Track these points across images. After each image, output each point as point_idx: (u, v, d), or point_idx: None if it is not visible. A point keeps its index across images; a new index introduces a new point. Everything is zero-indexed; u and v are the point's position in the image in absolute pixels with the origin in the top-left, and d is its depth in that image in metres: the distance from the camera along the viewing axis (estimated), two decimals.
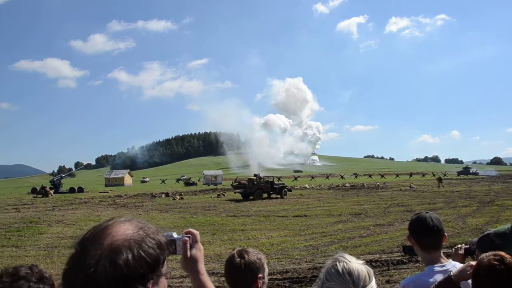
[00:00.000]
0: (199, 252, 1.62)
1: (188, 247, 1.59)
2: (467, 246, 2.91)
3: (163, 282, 1.16)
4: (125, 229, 1.10)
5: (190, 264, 1.60)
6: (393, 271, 10.40)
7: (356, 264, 1.70)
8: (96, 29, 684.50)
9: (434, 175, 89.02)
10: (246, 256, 2.42)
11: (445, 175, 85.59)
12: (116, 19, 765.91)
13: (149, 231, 1.14)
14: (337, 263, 1.72)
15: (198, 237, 1.64)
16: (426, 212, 2.78)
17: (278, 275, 10.27)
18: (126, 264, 1.02)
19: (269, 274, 10.29)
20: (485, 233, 2.80)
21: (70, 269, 1.03)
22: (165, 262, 1.17)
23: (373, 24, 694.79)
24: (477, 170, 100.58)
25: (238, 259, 2.39)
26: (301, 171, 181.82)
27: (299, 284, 9.49)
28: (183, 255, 1.59)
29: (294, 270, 10.69)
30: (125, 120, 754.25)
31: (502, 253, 2.02)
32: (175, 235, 1.58)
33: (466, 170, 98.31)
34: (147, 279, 1.07)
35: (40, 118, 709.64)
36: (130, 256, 1.03)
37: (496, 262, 1.99)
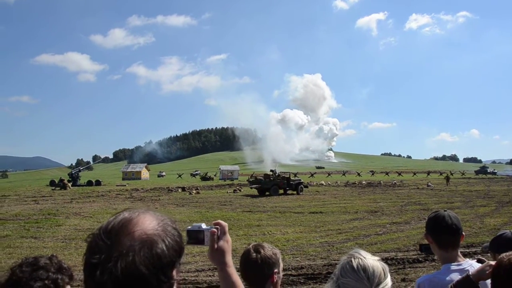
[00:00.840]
0: (226, 244, 1.63)
1: (216, 238, 1.61)
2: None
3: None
4: (150, 220, 1.13)
5: (217, 255, 1.62)
6: (408, 269, 10.32)
7: (372, 261, 1.70)
8: (116, 24, 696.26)
9: (441, 174, 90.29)
10: (262, 251, 2.42)
11: (452, 174, 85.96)
12: (136, 13, 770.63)
13: (169, 221, 1.17)
14: (352, 259, 1.71)
15: (227, 228, 1.65)
16: (445, 211, 2.74)
17: (293, 271, 10.27)
18: (163, 252, 1.07)
19: (284, 270, 10.29)
20: (498, 233, 2.76)
21: (104, 260, 1.03)
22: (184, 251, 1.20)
23: (393, 21, 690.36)
24: (494, 169, 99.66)
25: (254, 254, 2.39)
26: (323, 167, 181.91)
27: (314, 281, 9.48)
28: (211, 246, 1.60)
29: (309, 266, 10.69)
30: (143, 115, 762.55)
31: None
32: (203, 226, 1.60)
33: (483, 169, 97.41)
34: (175, 266, 1.12)
35: (59, 112, 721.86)
36: (164, 246, 1.08)
37: None
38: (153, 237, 1.08)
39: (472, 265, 2.56)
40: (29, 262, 1.86)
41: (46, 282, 1.80)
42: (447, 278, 2.50)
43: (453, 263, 2.62)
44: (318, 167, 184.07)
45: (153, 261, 1.04)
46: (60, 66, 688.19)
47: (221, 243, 1.61)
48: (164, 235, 1.10)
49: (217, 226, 1.62)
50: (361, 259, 1.70)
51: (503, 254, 2.08)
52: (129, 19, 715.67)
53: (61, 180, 51.76)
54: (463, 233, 2.71)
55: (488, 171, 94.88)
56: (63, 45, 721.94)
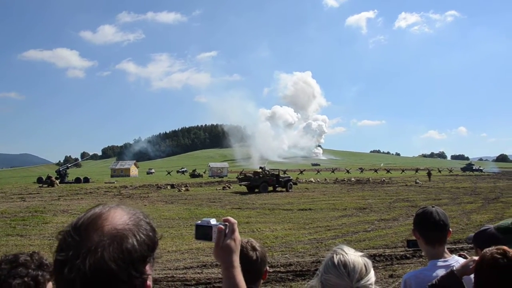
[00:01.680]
0: (233, 242, 1.54)
1: (223, 236, 1.54)
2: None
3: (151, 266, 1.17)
4: (121, 215, 1.11)
5: (222, 254, 1.53)
6: (396, 265, 10.39)
7: (353, 256, 1.70)
8: (105, 20, 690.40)
9: (423, 170, 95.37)
10: (258, 248, 2.42)
11: (440, 171, 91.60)
12: (126, 10, 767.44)
13: (141, 216, 1.16)
14: (334, 255, 1.72)
15: (236, 226, 1.57)
16: (432, 207, 2.76)
17: (282, 268, 10.27)
18: (133, 248, 1.05)
19: (273, 266, 10.35)
20: (481, 229, 2.80)
21: (72, 256, 1.01)
22: (158, 245, 1.19)
23: (382, 19, 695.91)
24: (480, 166, 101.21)
25: (252, 252, 2.38)
26: (318, 164, 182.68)
27: (303, 277, 9.50)
28: (216, 243, 1.53)
29: (297, 263, 10.69)
30: (132, 111, 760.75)
31: (505, 247, 2.02)
32: (212, 221, 1.55)
33: (469, 167, 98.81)
34: (148, 261, 1.10)
35: (47, 108, 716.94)
36: (135, 241, 1.06)
37: (499, 256, 1.99)
38: (124, 232, 1.06)
39: (458, 261, 2.58)
40: (9, 259, 1.82)
41: (26, 279, 1.76)
42: (433, 274, 2.52)
43: (439, 259, 2.64)
44: (313, 164, 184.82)
45: (123, 256, 1.02)
46: (49, 62, 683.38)
47: (228, 241, 1.52)
48: (135, 230, 1.08)
49: (226, 223, 1.55)
50: (342, 255, 1.71)
51: (486, 249, 2.11)
52: (119, 16, 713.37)
53: (49, 177, 51.46)
54: (450, 229, 2.74)
55: (474, 168, 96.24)
56: (52, 41, 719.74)
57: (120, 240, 1.04)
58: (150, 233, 1.13)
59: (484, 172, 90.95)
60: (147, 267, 1.10)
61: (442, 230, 2.67)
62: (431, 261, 2.68)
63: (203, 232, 1.55)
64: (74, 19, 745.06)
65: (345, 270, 1.65)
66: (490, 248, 2.08)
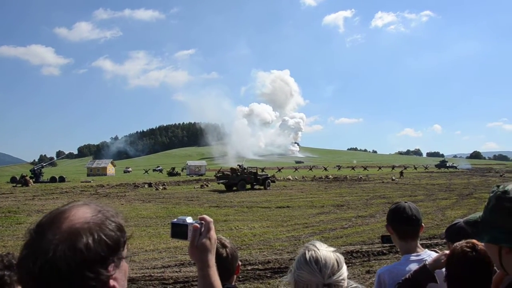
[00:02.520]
0: (208, 241, 1.49)
1: (198, 234, 1.50)
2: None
3: (124, 266, 1.13)
4: (83, 213, 1.07)
5: (197, 253, 1.49)
6: (373, 261, 10.51)
7: (325, 252, 1.72)
8: (81, 17, 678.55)
9: (398, 167, 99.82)
10: (228, 245, 2.42)
11: (416, 168, 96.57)
12: (102, 7, 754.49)
13: (108, 214, 1.12)
14: (306, 251, 1.74)
15: (212, 225, 1.53)
16: (405, 202, 2.82)
17: (260, 265, 10.29)
18: (87, 247, 1.00)
19: (251, 264, 10.37)
20: (452, 223, 2.86)
21: (26, 255, 0.99)
22: (126, 245, 1.14)
23: (359, 19, 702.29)
24: (454, 163, 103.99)
25: (222, 249, 2.37)
26: (302, 162, 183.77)
27: (281, 274, 9.51)
28: (191, 242, 1.50)
29: (275, 260, 10.74)
30: (109, 110, 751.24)
31: (474, 240, 2.07)
32: (188, 220, 1.52)
33: (443, 163, 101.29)
34: (108, 262, 1.05)
35: (21, 106, 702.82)
36: (90, 240, 1.01)
37: (468, 249, 2.05)
38: (80, 231, 1.02)
39: (430, 256, 2.63)
40: None
41: None
42: (406, 269, 2.56)
43: (412, 254, 2.69)
44: (297, 162, 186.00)
45: (74, 257, 0.98)
46: (23, 59, 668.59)
47: (203, 240, 1.49)
48: (95, 229, 1.04)
49: (202, 222, 1.52)
50: (314, 251, 1.72)
51: (457, 243, 2.16)
52: (96, 13, 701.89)
53: (23, 177, 50.46)
54: (423, 224, 2.79)
55: (448, 165, 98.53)
56: (25, 37, 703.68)
57: (74, 238, 1.00)
58: (113, 233, 1.08)
59: (458, 169, 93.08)
60: (111, 267, 1.05)
61: (415, 225, 2.72)
62: (404, 255, 2.72)
63: (178, 230, 1.52)
64: (49, 15, 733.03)
65: (317, 266, 1.66)
66: (460, 242, 2.13)
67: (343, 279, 1.67)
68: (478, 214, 1.54)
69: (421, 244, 2.78)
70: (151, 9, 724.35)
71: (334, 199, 26.72)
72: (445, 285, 2.15)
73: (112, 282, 1.06)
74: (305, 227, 16.15)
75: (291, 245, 12.76)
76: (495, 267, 1.94)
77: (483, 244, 2.04)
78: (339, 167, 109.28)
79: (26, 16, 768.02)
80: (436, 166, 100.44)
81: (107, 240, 1.05)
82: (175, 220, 1.55)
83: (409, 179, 49.14)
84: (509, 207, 1.36)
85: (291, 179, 55.56)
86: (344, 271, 1.69)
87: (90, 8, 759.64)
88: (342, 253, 1.78)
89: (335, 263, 1.68)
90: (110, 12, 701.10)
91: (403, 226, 2.72)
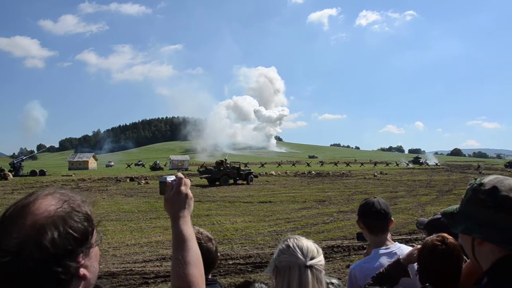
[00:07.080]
0: (177, 195, 1.57)
1: (170, 189, 1.59)
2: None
3: (95, 251, 1.12)
4: (47, 205, 1.04)
5: (167, 206, 1.57)
6: (354, 256, 10.61)
7: (305, 241, 1.78)
8: (67, 10, 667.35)
9: (380, 163, 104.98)
10: (212, 237, 2.45)
11: (397, 164, 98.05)
12: (88, 0, 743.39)
13: (74, 204, 1.09)
14: (288, 239, 1.79)
15: (183, 181, 1.61)
16: (374, 197, 2.92)
17: (241, 260, 10.35)
18: (52, 243, 0.97)
19: (233, 258, 10.42)
20: (432, 217, 2.93)
21: None
22: (94, 232, 1.12)
23: (344, 17, 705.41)
24: (426, 160, 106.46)
25: (210, 243, 2.41)
26: (295, 161, 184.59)
27: (262, 269, 9.57)
28: (164, 197, 1.60)
29: (257, 255, 10.80)
30: (91, 103, 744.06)
31: (445, 234, 2.13)
32: (169, 178, 1.63)
33: (416, 160, 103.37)
34: (76, 254, 1.03)
35: (2, 98, 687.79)
36: (56, 234, 0.99)
37: (438, 243, 2.11)
38: (45, 226, 0.98)
39: (400, 248, 2.73)
40: None
41: None
42: (376, 263, 2.65)
43: (382, 247, 2.78)
44: (288, 161, 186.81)
45: (40, 254, 0.95)
46: (5, 51, 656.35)
47: (172, 194, 1.57)
48: (60, 222, 1.01)
49: (176, 179, 1.62)
50: (296, 239, 1.79)
51: (428, 237, 2.22)
52: (81, 6, 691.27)
53: (2, 170, 49.51)
54: (392, 218, 2.88)
55: (421, 161, 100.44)
56: (8, 28, 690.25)
57: (39, 235, 0.97)
58: (80, 224, 1.05)
59: (429, 165, 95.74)
60: (79, 258, 1.04)
61: (384, 219, 2.81)
62: (374, 249, 2.81)
63: (162, 187, 1.63)
64: (33, 7, 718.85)
65: (299, 250, 1.71)
66: (431, 236, 2.20)
67: (321, 265, 1.72)
68: (456, 206, 1.60)
69: (401, 239, 2.86)
70: (138, 3, 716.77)
71: (316, 194, 26.90)
72: (417, 279, 2.21)
73: (82, 271, 1.05)
74: (287, 222, 16.24)
75: (273, 239, 12.82)
76: (465, 259, 2.01)
77: (452, 238, 2.11)
78: (322, 163, 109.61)
79: (10, 7, 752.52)
80: (411, 162, 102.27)
81: (73, 233, 1.02)
82: (161, 178, 1.66)
83: (391, 175, 49.64)
84: (484, 199, 1.42)
85: (274, 174, 55.65)
86: (322, 259, 1.75)
87: (75, 1, 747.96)
88: (323, 248, 1.83)
89: (315, 250, 1.74)
90: (96, 5, 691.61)
91: (373, 220, 2.81)
